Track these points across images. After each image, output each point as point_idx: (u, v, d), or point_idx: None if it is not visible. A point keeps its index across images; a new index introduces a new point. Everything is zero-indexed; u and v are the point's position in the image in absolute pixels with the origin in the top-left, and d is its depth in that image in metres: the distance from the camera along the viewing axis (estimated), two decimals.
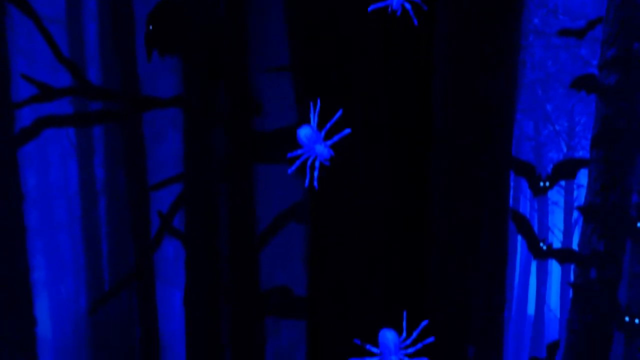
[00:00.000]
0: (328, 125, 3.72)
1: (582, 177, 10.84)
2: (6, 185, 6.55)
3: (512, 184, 7.76)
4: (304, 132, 3.76)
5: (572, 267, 8.77)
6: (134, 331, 7.48)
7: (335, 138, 3.73)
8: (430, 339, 4.03)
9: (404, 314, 4.06)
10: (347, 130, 3.73)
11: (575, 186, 21.07)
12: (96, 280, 9.54)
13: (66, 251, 17.01)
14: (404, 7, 3.35)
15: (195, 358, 6.56)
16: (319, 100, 3.72)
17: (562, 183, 20.66)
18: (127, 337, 7.77)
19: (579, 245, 8.51)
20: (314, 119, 3.71)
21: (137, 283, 7.34)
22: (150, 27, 6.60)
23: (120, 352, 7.79)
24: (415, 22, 3.29)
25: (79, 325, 8.15)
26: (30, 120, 6.83)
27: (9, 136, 6.68)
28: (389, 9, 3.37)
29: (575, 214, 19.92)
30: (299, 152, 3.71)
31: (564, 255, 8.79)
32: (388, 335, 4.17)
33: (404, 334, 4.12)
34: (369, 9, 3.37)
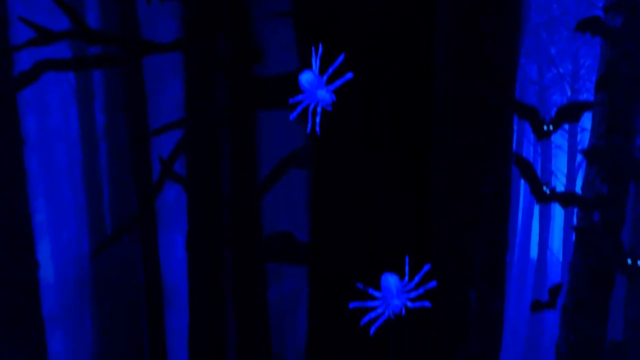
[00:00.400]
0: (330, 70, 3.70)
1: (586, 120, 10.76)
2: (6, 129, 6.51)
3: (515, 127, 7.70)
4: (305, 77, 3.74)
5: (575, 210, 8.74)
6: (136, 276, 7.51)
7: (338, 83, 3.73)
8: (432, 284, 4.03)
9: (406, 258, 4.05)
10: (349, 75, 3.71)
11: (579, 129, 20.95)
12: (98, 224, 9.54)
13: (67, 195, 17.02)
14: None
15: (198, 303, 6.60)
16: (320, 45, 3.66)
17: (566, 126, 20.55)
18: (130, 282, 7.80)
19: (582, 188, 8.48)
20: (315, 63, 3.69)
21: (139, 228, 7.34)
22: None
23: (123, 297, 7.84)
24: None
25: (81, 269, 8.19)
26: (29, 64, 6.76)
27: (8, 80, 6.62)
28: None
29: (579, 157, 19.84)
30: (301, 97, 3.72)
31: (567, 199, 8.76)
32: (390, 280, 4.16)
33: (406, 279, 4.12)
34: None
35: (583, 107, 8.89)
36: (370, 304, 4.13)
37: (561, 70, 20.72)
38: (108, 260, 8.13)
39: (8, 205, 6.28)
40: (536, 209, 19.25)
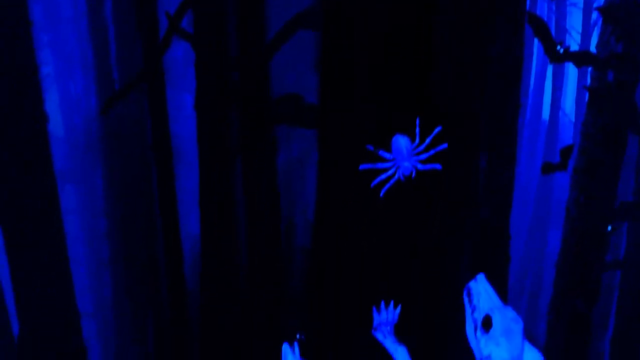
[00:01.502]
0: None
1: None
2: None
3: None
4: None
5: (589, 70, 8.56)
6: (145, 133, 7.48)
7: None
8: (443, 146, 3.98)
9: (417, 120, 3.98)
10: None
11: None
12: (105, 79, 9.43)
13: (74, 47, 16.74)
14: None
15: (207, 163, 6.60)
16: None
17: None
18: (139, 139, 7.79)
19: (597, 47, 8.26)
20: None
21: (147, 85, 7.25)
22: None
23: (133, 154, 7.84)
24: None
25: (90, 124, 8.14)
26: None
27: None
28: None
29: (595, 14, 19.35)
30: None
31: (581, 58, 8.56)
32: (401, 141, 4.11)
33: (417, 141, 4.07)
34: None
35: None
36: (380, 165, 4.10)
37: None
38: (117, 116, 8.09)
39: (14, 55, 6.16)
40: (549, 69, 18.96)
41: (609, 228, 6.41)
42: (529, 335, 3.39)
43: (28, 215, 6.01)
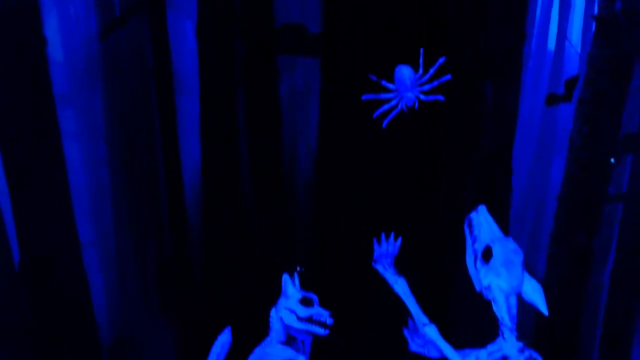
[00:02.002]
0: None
1: None
2: None
3: None
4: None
5: None
6: (146, 60, 7.39)
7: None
8: (447, 77, 3.94)
9: (421, 51, 3.93)
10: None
11: None
12: (105, 3, 9.27)
13: None
14: None
15: (209, 92, 6.53)
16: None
17: None
18: (140, 65, 7.69)
19: None
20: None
21: (147, 10, 7.15)
22: None
23: (133, 79, 7.75)
24: None
25: (90, 48, 8.03)
26: None
27: None
28: None
29: None
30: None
31: None
32: (404, 72, 4.07)
33: (421, 71, 4.02)
34: None
35: None
36: (383, 96, 4.08)
37: None
38: (117, 44, 7.98)
39: None
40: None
41: (612, 160, 6.38)
42: (529, 268, 3.40)
43: (27, 140, 5.99)
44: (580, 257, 5.68)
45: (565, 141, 6.48)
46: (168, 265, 5.55)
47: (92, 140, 7.21)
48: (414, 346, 4.05)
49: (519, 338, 3.43)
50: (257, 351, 4.75)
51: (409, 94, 3.99)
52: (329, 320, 4.37)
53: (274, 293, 4.59)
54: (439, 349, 3.75)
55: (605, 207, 5.76)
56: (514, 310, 3.36)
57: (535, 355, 3.42)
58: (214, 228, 6.24)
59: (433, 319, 3.78)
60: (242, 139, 6.65)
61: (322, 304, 4.46)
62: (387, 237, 4.13)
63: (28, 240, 6.02)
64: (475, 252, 3.45)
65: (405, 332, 4.09)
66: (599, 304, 5.84)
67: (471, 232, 3.47)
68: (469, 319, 6.14)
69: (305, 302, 4.38)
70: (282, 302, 4.47)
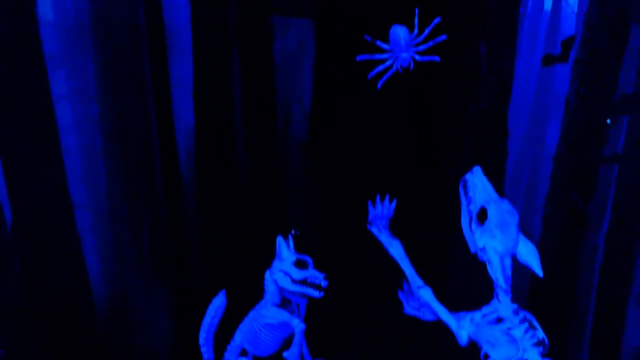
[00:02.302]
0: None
1: None
2: None
3: None
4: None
5: None
6: (138, 18, 7.31)
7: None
8: (442, 37, 3.90)
9: (416, 10, 3.88)
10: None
11: None
12: None
13: None
14: None
15: (202, 52, 6.47)
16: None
17: None
18: (132, 24, 7.60)
19: None
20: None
21: None
22: None
23: (125, 39, 7.65)
24: None
25: (80, 8, 7.91)
26: None
27: None
28: None
29: None
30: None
31: None
32: (399, 32, 4.03)
33: (416, 31, 3.98)
34: None
35: None
36: (378, 57, 4.05)
37: None
38: (108, 1, 7.89)
39: None
40: None
41: (609, 121, 6.35)
42: (525, 230, 3.38)
43: (18, 102, 5.92)
44: (576, 219, 5.67)
45: (561, 102, 6.43)
46: (162, 229, 5.53)
47: (83, 102, 7.13)
48: (409, 309, 4.04)
49: (513, 300, 3.43)
50: (252, 314, 4.76)
51: (404, 55, 3.96)
52: (324, 283, 4.37)
53: (269, 256, 4.58)
54: (433, 312, 3.74)
55: (601, 169, 5.74)
56: (509, 272, 3.35)
57: (529, 316, 3.42)
58: (207, 191, 6.22)
59: (428, 281, 3.77)
60: (235, 100, 6.60)
61: (317, 267, 4.46)
62: (382, 199, 4.11)
63: (20, 204, 5.98)
64: (470, 213, 3.43)
65: (400, 295, 4.09)
66: (594, 267, 5.85)
67: (466, 193, 3.44)
68: (464, 282, 6.16)
69: (300, 264, 4.37)
70: (276, 264, 4.46)
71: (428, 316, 3.93)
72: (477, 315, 3.52)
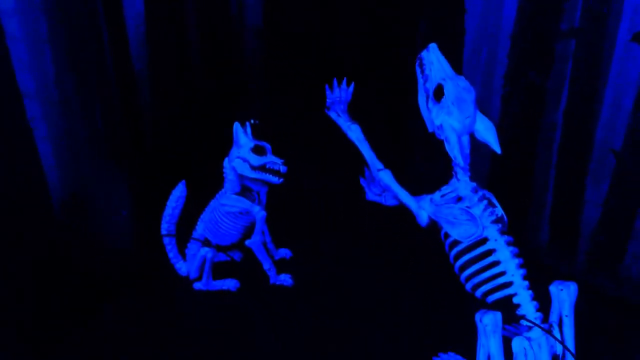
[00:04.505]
0: None
1: None
2: None
3: None
4: None
5: None
6: None
7: None
8: None
9: None
10: None
11: None
12: None
13: None
14: None
15: None
16: None
17: None
18: None
19: None
20: None
21: None
22: None
23: None
24: None
25: None
26: None
27: None
28: None
29: None
30: None
31: None
32: None
33: None
34: None
35: None
36: None
37: None
38: None
39: None
40: None
41: None
42: (484, 111, 3.35)
43: None
44: (534, 97, 5.66)
45: None
46: (117, 116, 5.41)
47: None
48: (371, 195, 4.05)
49: (472, 178, 3.43)
50: (212, 203, 4.75)
51: None
52: (283, 169, 4.34)
53: (226, 143, 4.53)
54: (395, 197, 3.75)
55: (557, 45, 5.68)
56: (467, 150, 3.34)
57: (488, 194, 3.44)
58: (160, 77, 6.06)
59: (387, 164, 3.76)
60: None
61: (275, 153, 4.43)
62: (340, 83, 4.05)
63: None
64: (427, 91, 3.38)
65: (362, 181, 4.09)
66: (553, 145, 5.86)
67: (422, 71, 3.38)
68: (424, 163, 6.19)
69: (258, 150, 4.33)
70: (234, 151, 4.41)
71: (390, 201, 3.94)
72: (436, 195, 3.53)
